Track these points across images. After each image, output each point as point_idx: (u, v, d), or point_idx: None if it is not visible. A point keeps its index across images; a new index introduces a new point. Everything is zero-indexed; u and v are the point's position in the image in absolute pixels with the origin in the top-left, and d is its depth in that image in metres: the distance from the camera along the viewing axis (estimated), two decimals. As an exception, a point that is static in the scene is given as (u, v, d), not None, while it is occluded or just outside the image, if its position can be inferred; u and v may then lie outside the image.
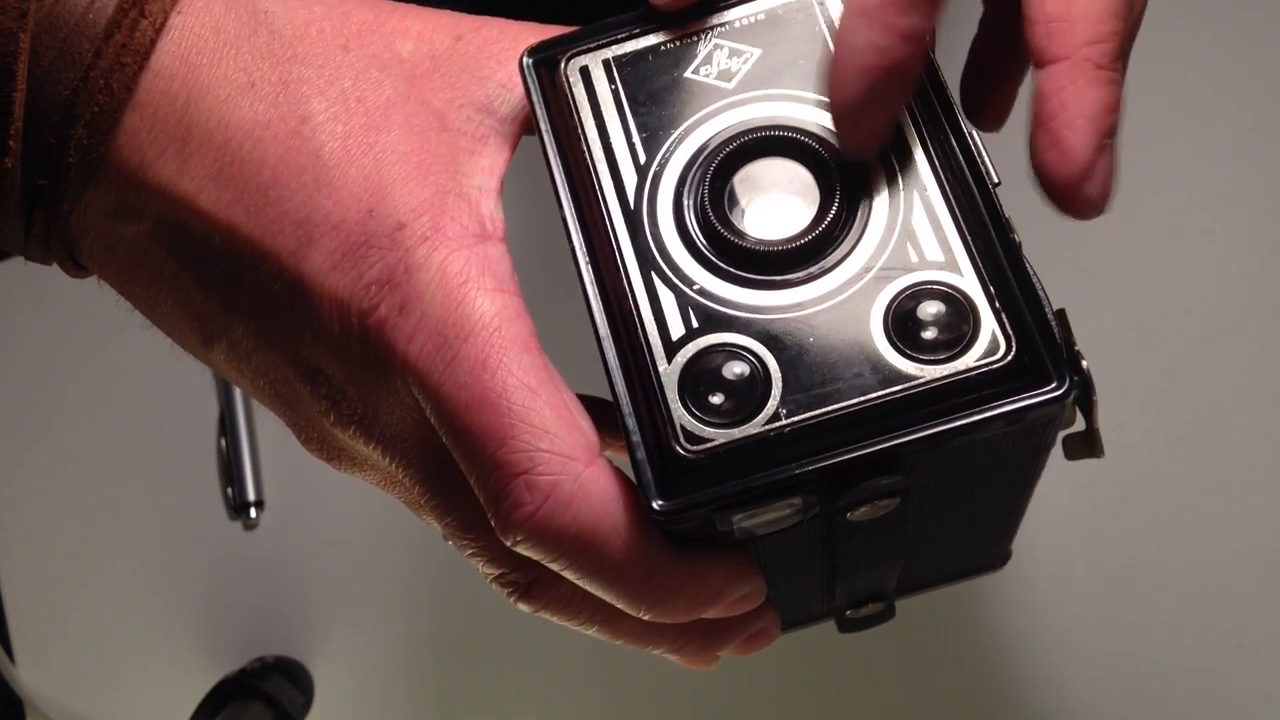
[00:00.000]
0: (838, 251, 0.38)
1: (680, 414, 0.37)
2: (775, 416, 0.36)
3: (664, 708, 0.77)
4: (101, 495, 0.88)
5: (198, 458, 0.87)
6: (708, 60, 0.41)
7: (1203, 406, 0.74)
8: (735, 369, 0.37)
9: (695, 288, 0.38)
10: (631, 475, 0.38)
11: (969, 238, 0.37)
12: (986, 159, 0.38)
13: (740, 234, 0.38)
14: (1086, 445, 0.40)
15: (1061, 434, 0.39)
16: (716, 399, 0.37)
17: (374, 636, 0.82)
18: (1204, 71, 0.81)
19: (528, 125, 0.42)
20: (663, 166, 0.40)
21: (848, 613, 0.51)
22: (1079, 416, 0.38)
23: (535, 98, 0.41)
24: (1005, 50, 0.46)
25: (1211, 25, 0.82)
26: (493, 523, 0.38)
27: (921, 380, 0.36)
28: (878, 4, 0.37)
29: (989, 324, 0.36)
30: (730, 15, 0.41)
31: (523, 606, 0.42)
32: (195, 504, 0.86)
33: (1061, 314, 0.37)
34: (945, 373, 0.36)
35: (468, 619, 0.80)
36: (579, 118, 0.41)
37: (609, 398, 0.38)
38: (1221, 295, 0.76)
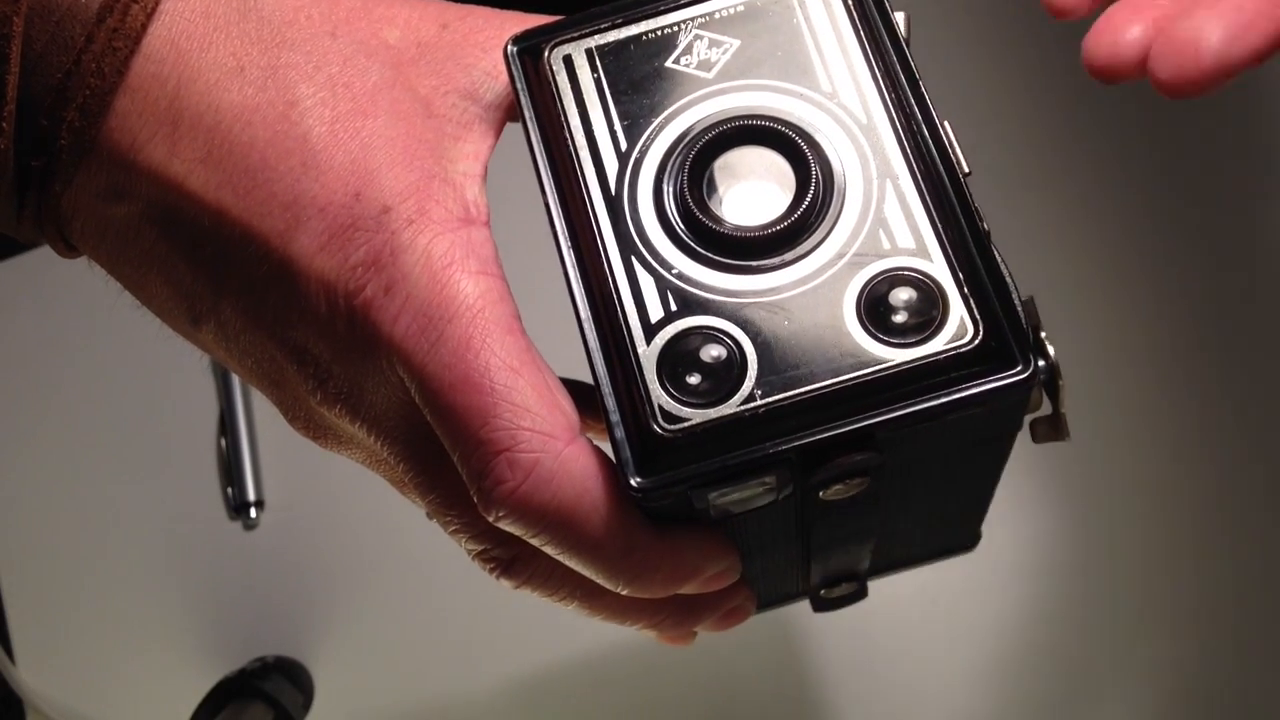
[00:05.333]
0: (813, 238, 0.38)
1: (658, 394, 0.37)
2: (750, 397, 0.37)
3: (665, 710, 0.77)
4: (101, 495, 0.88)
5: (198, 458, 0.87)
6: (688, 50, 0.41)
7: (1184, 395, 0.75)
8: (712, 351, 0.37)
9: (674, 272, 0.39)
10: (611, 455, 0.38)
11: (939, 226, 0.38)
12: (957, 150, 0.39)
13: (718, 220, 0.39)
14: (1053, 429, 0.41)
15: (1029, 418, 0.40)
16: (694, 380, 0.37)
17: (374, 636, 0.82)
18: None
19: (512, 112, 0.43)
20: (643, 154, 0.40)
21: (822, 592, 0.51)
22: (1046, 401, 0.39)
23: (519, 86, 0.42)
24: None
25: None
26: (475, 499, 0.38)
27: (892, 363, 0.36)
28: None
29: (958, 309, 0.37)
30: (711, 6, 0.42)
31: (504, 582, 0.43)
32: (195, 504, 0.86)
33: (1030, 302, 0.38)
34: (915, 356, 0.36)
35: (468, 619, 0.80)
36: (562, 106, 0.41)
37: (589, 380, 0.39)
38: (1205, 290, 0.77)
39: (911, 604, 0.74)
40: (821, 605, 0.52)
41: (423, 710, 0.80)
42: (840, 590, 0.51)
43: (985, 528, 0.52)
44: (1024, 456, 0.43)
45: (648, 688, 0.77)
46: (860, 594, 0.51)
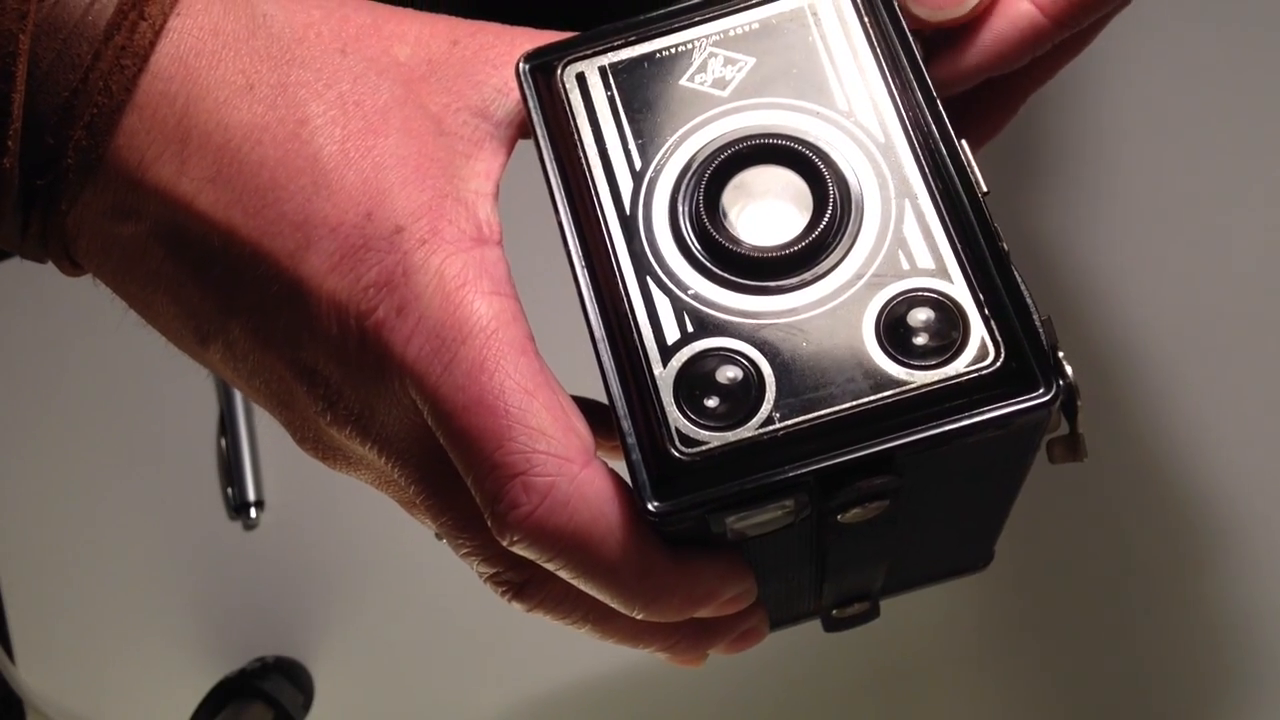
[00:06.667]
0: (831, 258, 0.38)
1: (675, 417, 0.37)
2: (769, 420, 0.36)
3: (664, 710, 0.77)
4: (101, 495, 0.88)
5: (198, 458, 0.87)
6: (702, 68, 0.41)
7: (1193, 407, 0.75)
8: (729, 373, 0.37)
9: (690, 292, 0.38)
10: (627, 477, 0.38)
11: (959, 246, 0.38)
12: (975, 169, 0.39)
13: (734, 240, 0.38)
14: (1070, 449, 0.40)
15: (1045, 438, 0.40)
16: (711, 402, 0.37)
17: (374, 636, 0.82)
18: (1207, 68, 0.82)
19: (524, 129, 0.42)
20: (658, 172, 0.40)
21: (834, 612, 0.51)
22: (1063, 421, 0.39)
23: (532, 104, 0.41)
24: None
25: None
26: (489, 523, 0.38)
27: (912, 385, 0.36)
28: None
29: (978, 331, 0.36)
30: (725, 24, 0.41)
31: (517, 605, 0.43)
32: (195, 504, 0.86)
33: (1049, 321, 0.37)
34: (936, 378, 0.36)
35: (467, 619, 0.80)
36: (575, 124, 0.41)
37: (604, 400, 0.39)
38: (1215, 296, 0.77)
39: (922, 623, 0.74)
40: (833, 625, 0.51)
41: (423, 711, 0.80)
42: (852, 610, 0.50)
43: (997, 546, 0.52)
44: (1034, 473, 0.43)
45: (651, 691, 0.77)
46: (872, 614, 0.51)
